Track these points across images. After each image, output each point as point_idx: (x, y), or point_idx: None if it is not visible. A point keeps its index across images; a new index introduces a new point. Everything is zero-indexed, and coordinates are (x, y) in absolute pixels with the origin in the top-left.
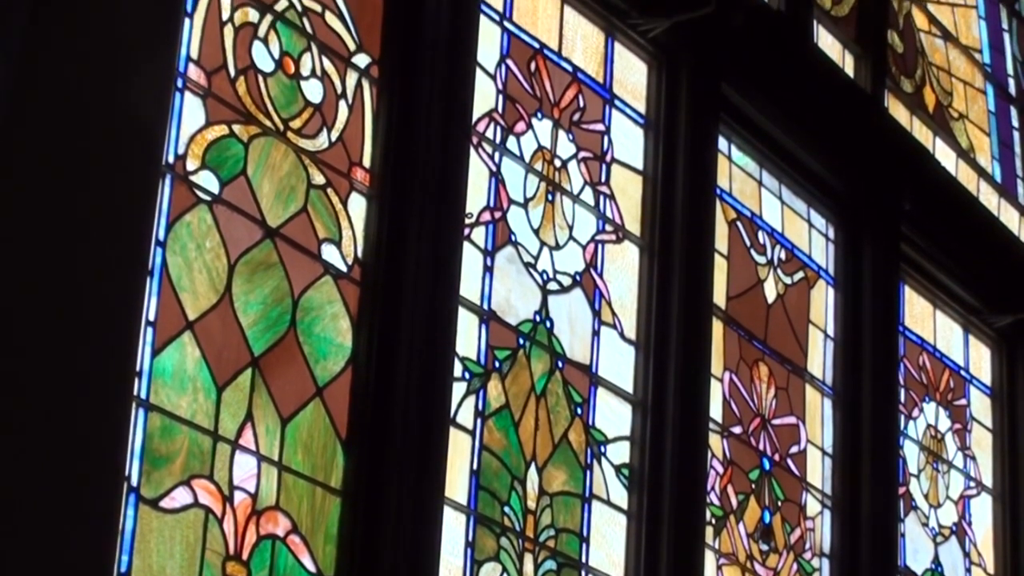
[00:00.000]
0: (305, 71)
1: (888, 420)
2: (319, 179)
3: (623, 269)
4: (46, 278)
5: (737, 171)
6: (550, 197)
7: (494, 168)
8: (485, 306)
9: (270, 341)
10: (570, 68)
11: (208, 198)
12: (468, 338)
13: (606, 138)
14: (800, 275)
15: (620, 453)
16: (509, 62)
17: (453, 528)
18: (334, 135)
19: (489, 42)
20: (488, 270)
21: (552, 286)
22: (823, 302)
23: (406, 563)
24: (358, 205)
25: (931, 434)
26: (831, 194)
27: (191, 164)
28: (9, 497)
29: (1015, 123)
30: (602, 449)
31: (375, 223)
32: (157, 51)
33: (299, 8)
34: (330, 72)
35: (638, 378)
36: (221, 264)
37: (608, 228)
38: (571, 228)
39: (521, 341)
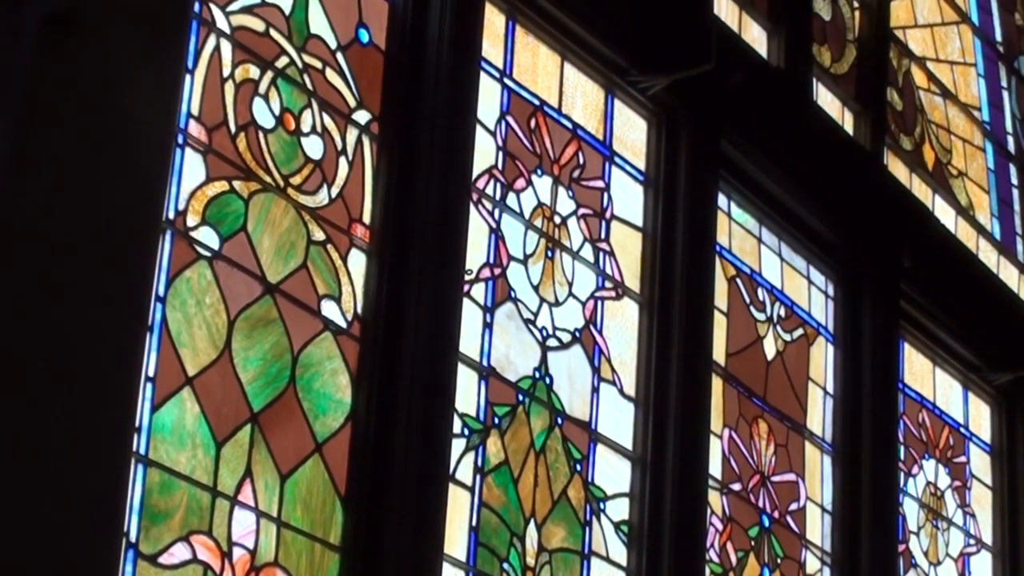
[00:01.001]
0: (305, 127)
1: (888, 477)
2: (319, 235)
3: (623, 326)
4: (46, 333)
5: (737, 228)
6: (550, 254)
7: (494, 224)
8: (484, 362)
9: (269, 397)
10: (570, 125)
11: (208, 254)
12: (467, 394)
13: (606, 195)
14: (800, 332)
15: (619, 510)
16: (509, 119)
17: None
18: (334, 191)
19: (489, 99)
20: (488, 326)
21: (552, 342)
22: (823, 359)
23: None
24: (358, 261)
25: (931, 491)
26: (831, 251)
27: (191, 220)
28: (9, 552)
29: (1014, 181)
30: (601, 506)
31: (375, 279)
32: (158, 107)
33: (300, 65)
34: (330, 128)
35: (637, 435)
36: (221, 320)
37: (608, 285)
38: (571, 285)
39: (520, 397)
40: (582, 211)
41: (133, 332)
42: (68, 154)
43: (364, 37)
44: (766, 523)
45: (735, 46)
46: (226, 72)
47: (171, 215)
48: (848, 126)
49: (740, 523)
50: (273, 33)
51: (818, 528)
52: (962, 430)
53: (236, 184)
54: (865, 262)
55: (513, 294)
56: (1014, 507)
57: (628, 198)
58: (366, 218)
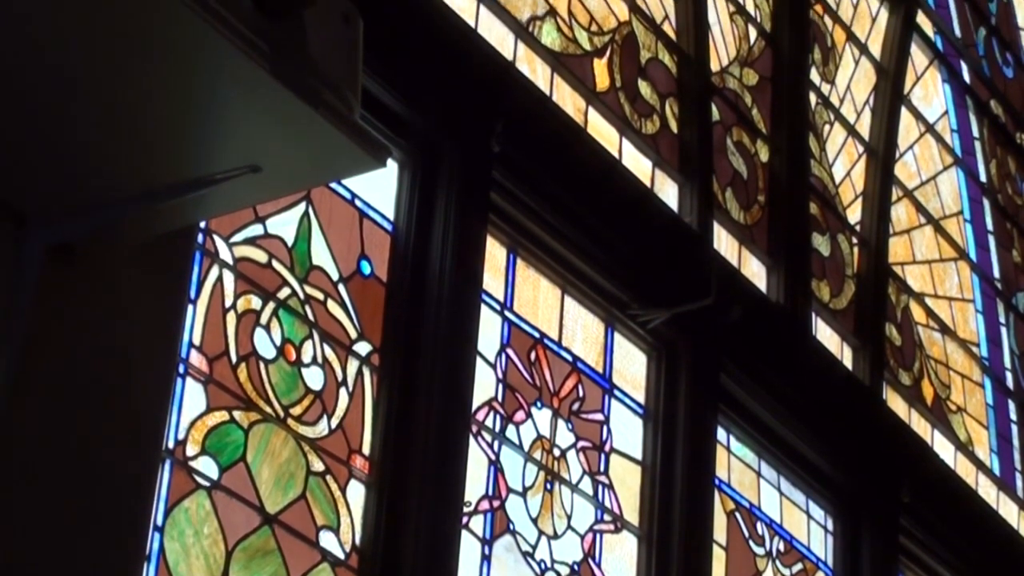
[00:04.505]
0: (306, 358)
1: None
2: (318, 466)
3: (621, 559)
4: (44, 562)
5: (736, 462)
6: (549, 486)
7: (493, 457)
8: None
9: None
10: (570, 358)
11: (207, 484)
12: None
13: (605, 428)
14: (799, 567)
15: None
16: (509, 351)
17: None
18: (334, 422)
19: (490, 331)
20: (486, 559)
21: (550, 575)
22: None
23: None
24: (357, 493)
25: None
26: (830, 486)
27: (191, 449)
28: None
29: (1013, 417)
30: None
31: (374, 511)
32: (159, 337)
33: (301, 296)
34: (331, 360)
35: None
36: (219, 550)
37: (607, 518)
38: (570, 518)
39: None
40: (581, 444)
41: (131, 562)
42: (68, 382)
43: (366, 269)
44: None
45: (735, 281)
46: (228, 303)
47: (171, 444)
48: (847, 361)
49: None
50: (275, 264)
51: None
52: None
53: (236, 414)
54: (865, 497)
55: (512, 527)
56: None
57: (627, 431)
58: (365, 449)
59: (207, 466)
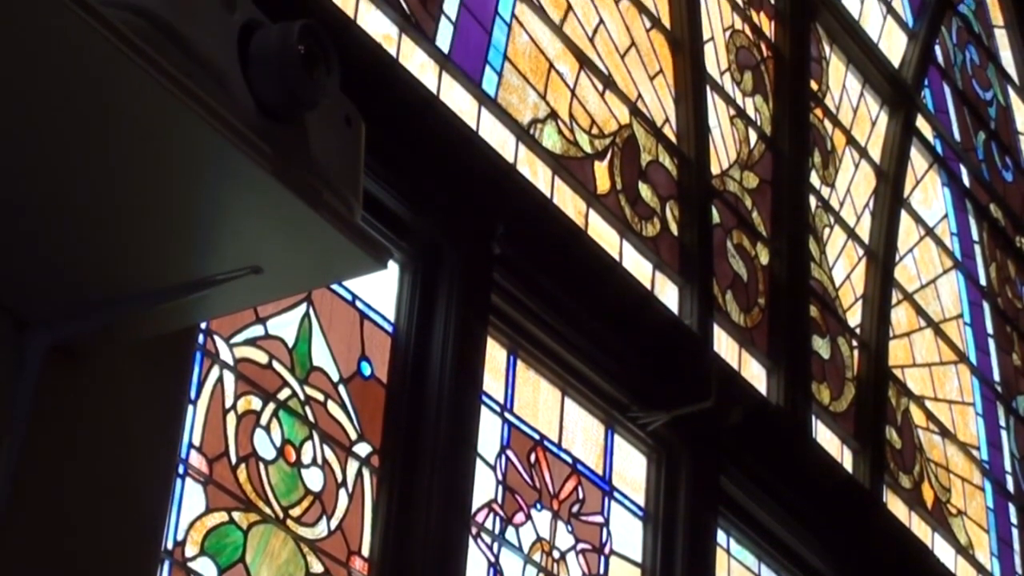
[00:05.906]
0: (306, 459)
1: None
2: (317, 567)
3: None
4: None
5: (736, 564)
6: None
7: (493, 559)
8: None
9: None
10: (570, 459)
11: None
12: None
13: (605, 530)
14: None
15: None
16: (509, 453)
17: None
18: (333, 523)
19: (490, 432)
20: None
21: None
22: None
23: None
24: None
25: None
26: None
27: (190, 550)
28: None
29: (1014, 520)
30: None
31: None
32: (159, 438)
33: (302, 397)
34: (331, 461)
35: None
36: None
37: None
38: None
39: None
40: (581, 546)
41: None
42: (67, 483)
43: (366, 370)
44: None
45: (735, 383)
46: (228, 403)
47: (170, 545)
48: (847, 464)
49: None
50: (276, 365)
51: None
52: None
53: (236, 515)
54: None
55: None
56: None
57: (627, 533)
58: (365, 551)
59: (206, 567)
